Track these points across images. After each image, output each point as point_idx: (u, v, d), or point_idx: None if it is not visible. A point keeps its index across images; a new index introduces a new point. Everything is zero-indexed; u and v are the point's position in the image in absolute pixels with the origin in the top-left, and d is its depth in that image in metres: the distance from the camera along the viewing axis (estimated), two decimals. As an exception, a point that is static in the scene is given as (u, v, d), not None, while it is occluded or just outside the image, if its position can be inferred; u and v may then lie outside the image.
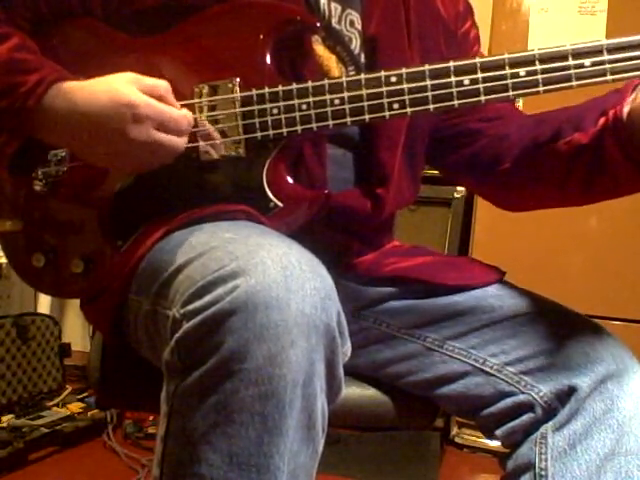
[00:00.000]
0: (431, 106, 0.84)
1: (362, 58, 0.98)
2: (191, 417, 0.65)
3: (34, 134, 0.85)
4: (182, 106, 0.86)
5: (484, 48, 1.16)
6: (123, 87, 0.80)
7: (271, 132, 0.86)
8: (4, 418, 2.09)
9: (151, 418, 2.17)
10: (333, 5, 0.95)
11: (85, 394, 2.34)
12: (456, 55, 0.99)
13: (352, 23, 0.98)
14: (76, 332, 2.77)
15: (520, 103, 1.91)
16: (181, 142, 0.83)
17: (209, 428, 0.64)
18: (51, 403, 2.27)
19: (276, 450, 0.64)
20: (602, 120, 0.88)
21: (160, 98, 0.81)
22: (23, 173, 0.92)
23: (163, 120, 0.80)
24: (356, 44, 0.98)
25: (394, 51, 0.97)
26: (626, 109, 0.85)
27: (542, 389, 0.88)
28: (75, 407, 2.25)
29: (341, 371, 0.71)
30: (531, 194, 1.01)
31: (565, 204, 0.99)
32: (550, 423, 0.86)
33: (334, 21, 0.96)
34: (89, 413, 2.21)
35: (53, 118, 0.81)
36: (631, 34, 0.80)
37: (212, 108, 0.87)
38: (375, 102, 0.85)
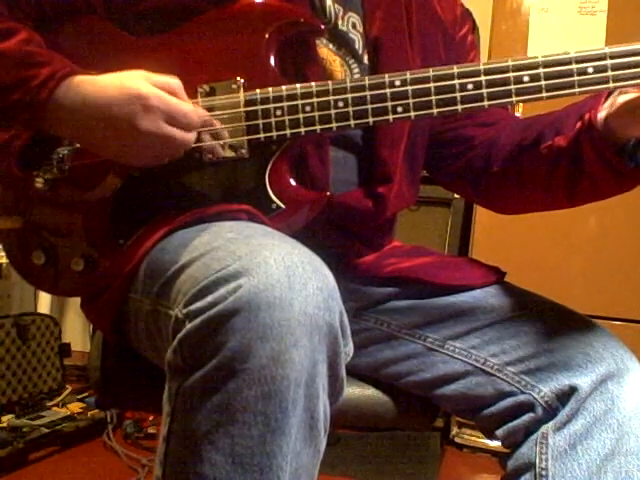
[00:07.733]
0: (435, 110, 0.84)
1: (365, 60, 0.98)
2: (194, 417, 0.65)
3: (45, 127, 0.85)
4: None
5: (484, 48, 1.16)
6: (134, 81, 0.80)
7: (274, 133, 0.86)
8: (4, 418, 2.08)
9: (151, 418, 2.17)
10: (336, 7, 0.96)
11: (85, 394, 2.33)
12: (453, 59, 1.00)
13: (354, 25, 0.98)
14: (76, 332, 2.77)
15: (520, 107, 1.91)
16: (190, 136, 0.83)
17: (212, 428, 0.64)
18: (51, 403, 2.26)
19: (279, 450, 0.64)
20: (579, 124, 0.89)
21: (171, 94, 0.82)
22: (31, 168, 0.92)
23: (172, 112, 0.81)
24: (359, 46, 0.98)
25: (397, 53, 0.98)
26: (602, 114, 0.86)
27: (542, 389, 0.88)
28: (75, 407, 2.24)
29: (343, 371, 0.71)
30: (520, 197, 1.01)
31: (553, 207, 1.00)
32: (550, 423, 0.86)
33: (339, 23, 0.96)
34: (89, 413, 2.20)
35: (64, 111, 0.81)
36: (633, 37, 0.80)
37: (215, 109, 0.87)
38: (379, 105, 0.85)
